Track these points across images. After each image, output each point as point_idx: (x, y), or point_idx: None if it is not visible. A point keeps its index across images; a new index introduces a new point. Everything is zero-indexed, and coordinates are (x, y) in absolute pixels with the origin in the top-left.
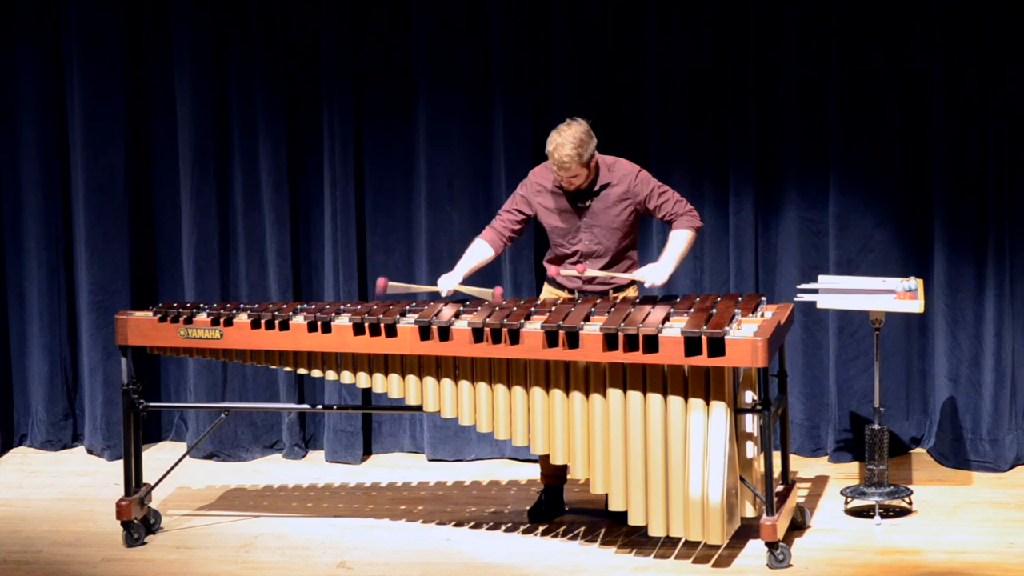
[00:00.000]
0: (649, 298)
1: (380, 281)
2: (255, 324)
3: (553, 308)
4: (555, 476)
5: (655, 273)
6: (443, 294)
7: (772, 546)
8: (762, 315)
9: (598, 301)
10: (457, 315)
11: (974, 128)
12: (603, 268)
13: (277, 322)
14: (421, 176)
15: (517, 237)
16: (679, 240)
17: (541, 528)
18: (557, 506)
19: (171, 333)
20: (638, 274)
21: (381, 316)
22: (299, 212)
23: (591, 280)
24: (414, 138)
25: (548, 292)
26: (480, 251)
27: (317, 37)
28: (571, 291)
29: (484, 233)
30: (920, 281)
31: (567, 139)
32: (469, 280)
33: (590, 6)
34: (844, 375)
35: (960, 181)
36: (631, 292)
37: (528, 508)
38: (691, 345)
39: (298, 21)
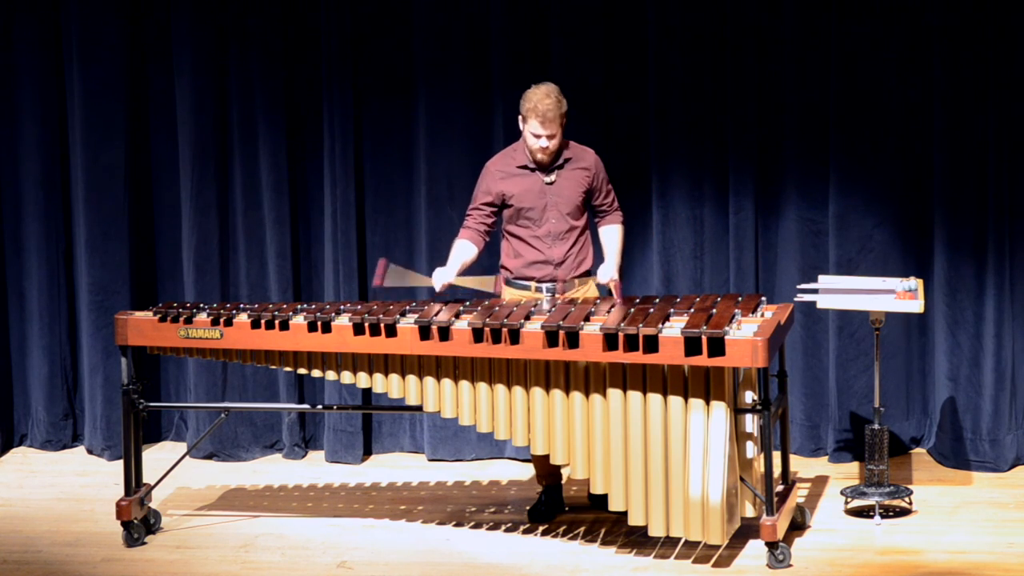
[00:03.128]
0: (648, 298)
1: (381, 262)
2: (255, 324)
3: (553, 308)
4: (551, 475)
5: (610, 271)
6: (438, 289)
7: (772, 546)
8: (762, 315)
9: (598, 301)
10: (457, 315)
11: (974, 128)
12: (569, 249)
13: (277, 322)
14: (421, 176)
15: (493, 228)
16: (617, 235)
17: (541, 528)
18: (557, 506)
19: (171, 333)
20: (599, 277)
21: (381, 316)
22: (299, 212)
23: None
24: (414, 138)
25: (509, 294)
26: (464, 250)
27: (317, 37)
28: (538, 287)
29: (461, 233)
30: (920, 281)
31: (545, 91)
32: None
33: (590, 6)
34: (844, 375)
35: (960, 181)
36: (592, 292)
37: (528, 508)
38: (691, 345)
39: (298, 21)
